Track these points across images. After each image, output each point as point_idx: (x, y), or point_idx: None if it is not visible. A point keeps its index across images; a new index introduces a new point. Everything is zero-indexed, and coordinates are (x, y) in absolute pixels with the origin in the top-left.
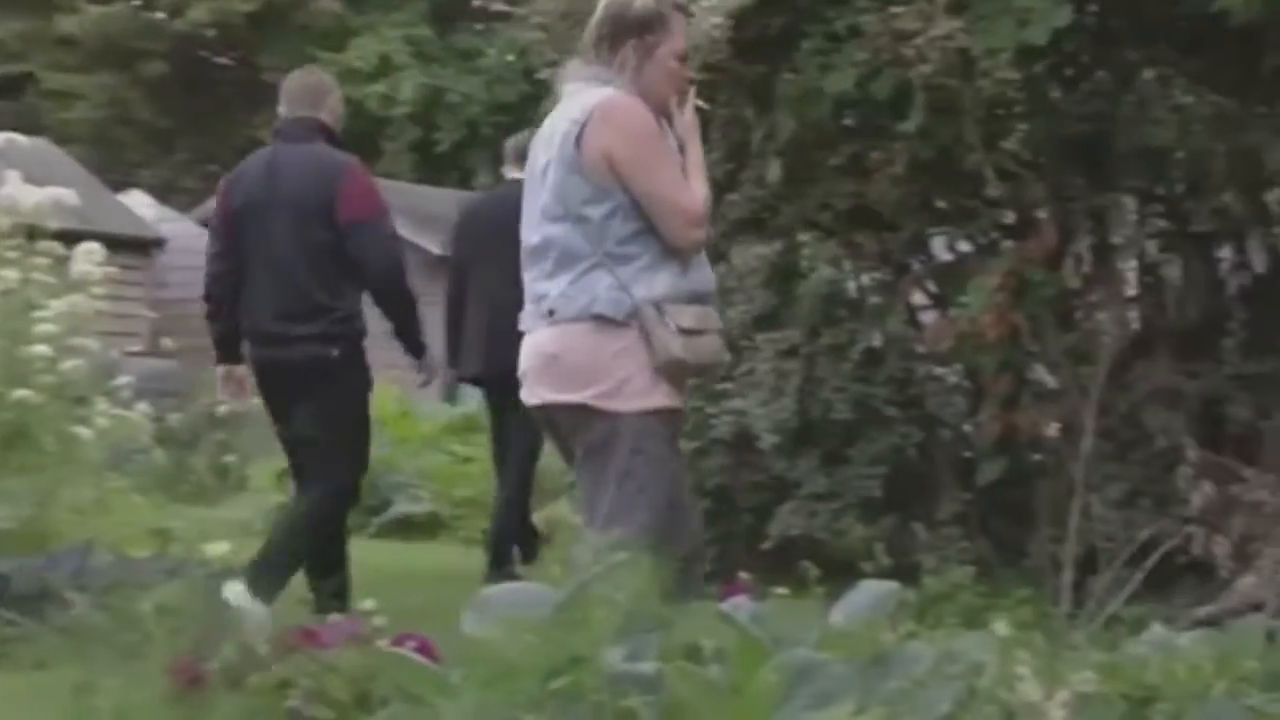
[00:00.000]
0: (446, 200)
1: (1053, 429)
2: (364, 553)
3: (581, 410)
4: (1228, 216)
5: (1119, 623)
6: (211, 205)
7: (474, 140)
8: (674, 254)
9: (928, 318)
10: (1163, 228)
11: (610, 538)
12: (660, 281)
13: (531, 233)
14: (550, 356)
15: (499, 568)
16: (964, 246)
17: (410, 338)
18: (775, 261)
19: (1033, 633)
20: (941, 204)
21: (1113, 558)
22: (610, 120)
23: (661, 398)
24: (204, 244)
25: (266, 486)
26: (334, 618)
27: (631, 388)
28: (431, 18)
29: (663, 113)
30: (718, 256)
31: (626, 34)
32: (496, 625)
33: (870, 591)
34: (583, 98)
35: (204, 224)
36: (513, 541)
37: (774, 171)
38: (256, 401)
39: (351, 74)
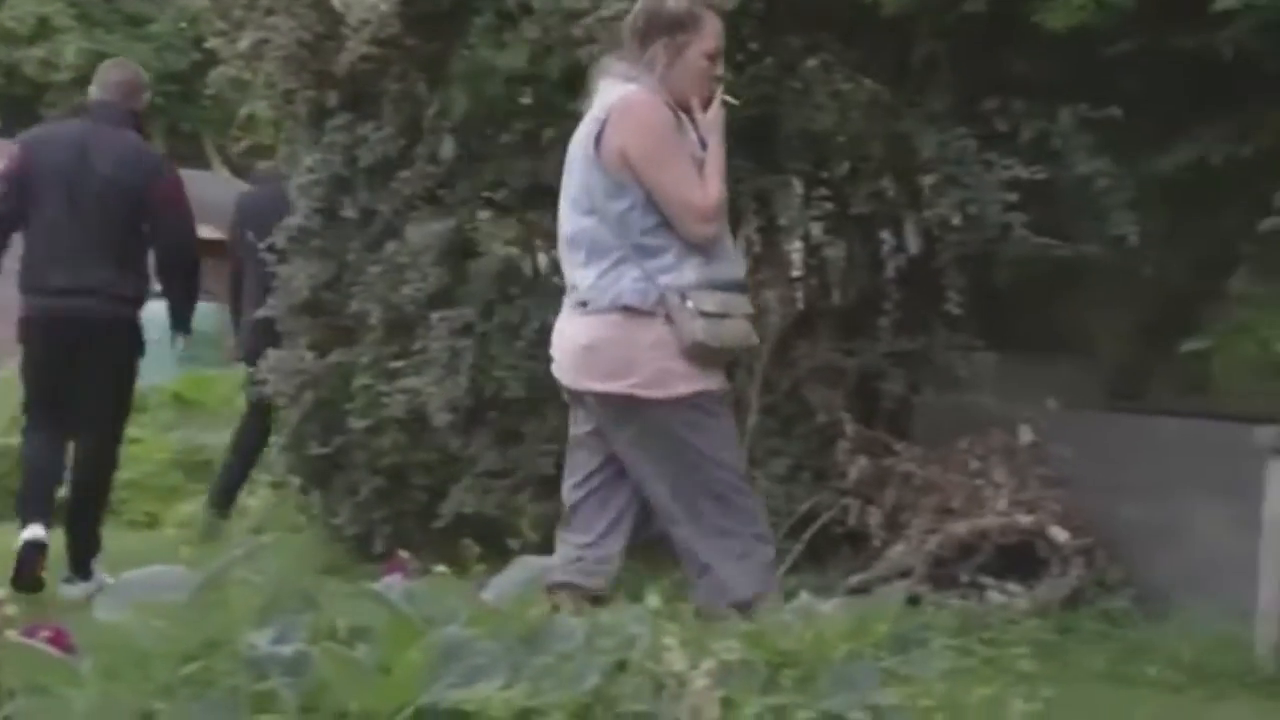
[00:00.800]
0: None
1: None
2: (12, 538)
3: (625, 399)
4: (885, 200)
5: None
6: None
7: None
8: (696, 245)
9: None
10: (827, 210)
11: (689, 505)
12: (688, 270)
13: (566, 223)
14: (585, 348)
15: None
16: None
17: (183, 314)
18: (449, 239)
19: (684, 605)
20: None
21: (775, 530)
22: (626, 118)
23: (700, 382)
24: None
25: None
26: None
27: (672, 376)
28: None
29: (685, 110)
30: (391, 233)
31: (658, 32)
32: (130, 611)
33: (524, 568)
34: (607, 95)
35: None
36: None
37: (447, 148)
38: None
39: (6, 36)
